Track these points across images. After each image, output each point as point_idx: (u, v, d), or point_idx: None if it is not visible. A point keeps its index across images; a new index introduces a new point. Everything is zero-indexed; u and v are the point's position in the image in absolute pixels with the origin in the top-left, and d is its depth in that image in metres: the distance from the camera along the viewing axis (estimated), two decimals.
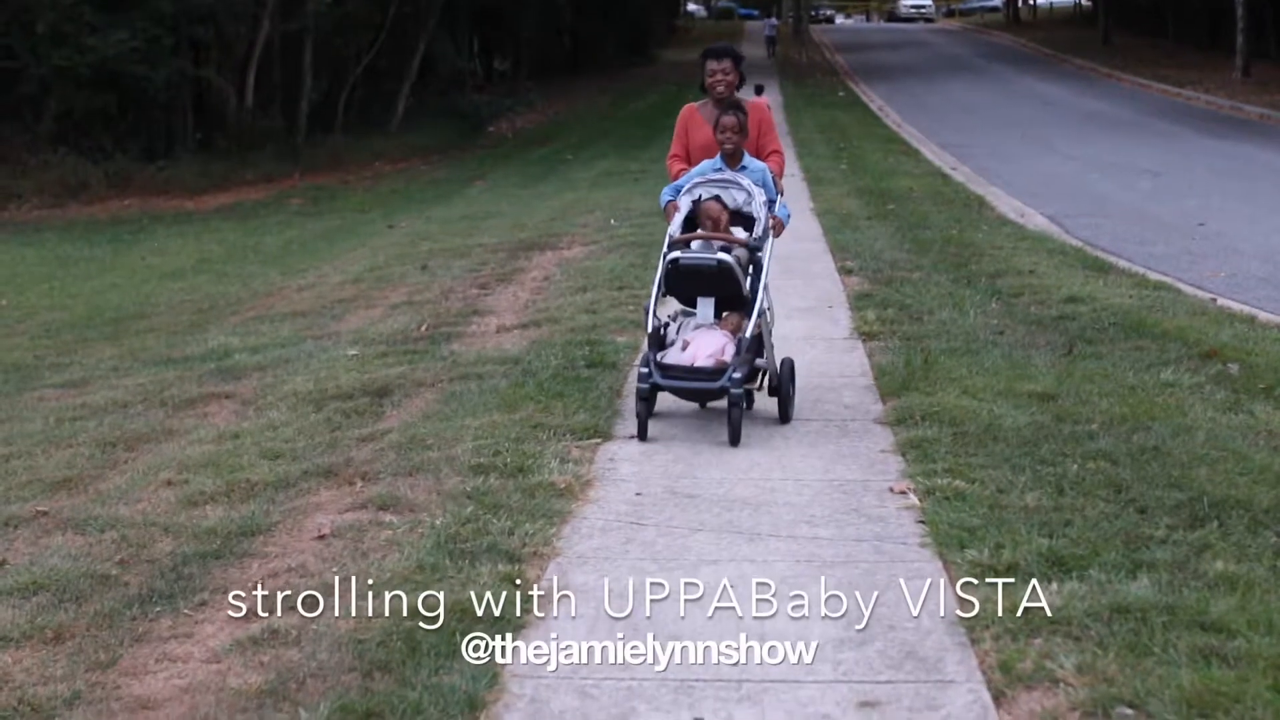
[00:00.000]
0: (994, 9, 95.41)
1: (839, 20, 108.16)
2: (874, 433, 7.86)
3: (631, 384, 8.40)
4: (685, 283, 7.97)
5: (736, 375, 7.59)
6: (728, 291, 7.90)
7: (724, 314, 7.98)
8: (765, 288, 7.98)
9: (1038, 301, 11.40)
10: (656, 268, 8.14)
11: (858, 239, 15.20)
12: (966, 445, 7.32)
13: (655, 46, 67.46)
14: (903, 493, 6.72)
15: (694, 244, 7.97)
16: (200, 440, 8.28)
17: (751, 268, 7.98)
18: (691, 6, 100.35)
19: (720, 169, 8.28)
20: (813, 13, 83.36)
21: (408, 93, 44.29)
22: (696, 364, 7.71)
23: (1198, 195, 20.05)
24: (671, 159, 8.95)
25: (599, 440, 7.69)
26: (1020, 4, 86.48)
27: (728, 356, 7.70)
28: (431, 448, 7.56)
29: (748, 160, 8.35)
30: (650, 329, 7.92)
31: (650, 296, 8.07)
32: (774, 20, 72.05)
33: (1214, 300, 11.71)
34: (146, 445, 8.37)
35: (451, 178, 32.60)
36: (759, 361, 7.92)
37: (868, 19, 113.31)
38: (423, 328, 11.36)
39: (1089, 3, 76.59)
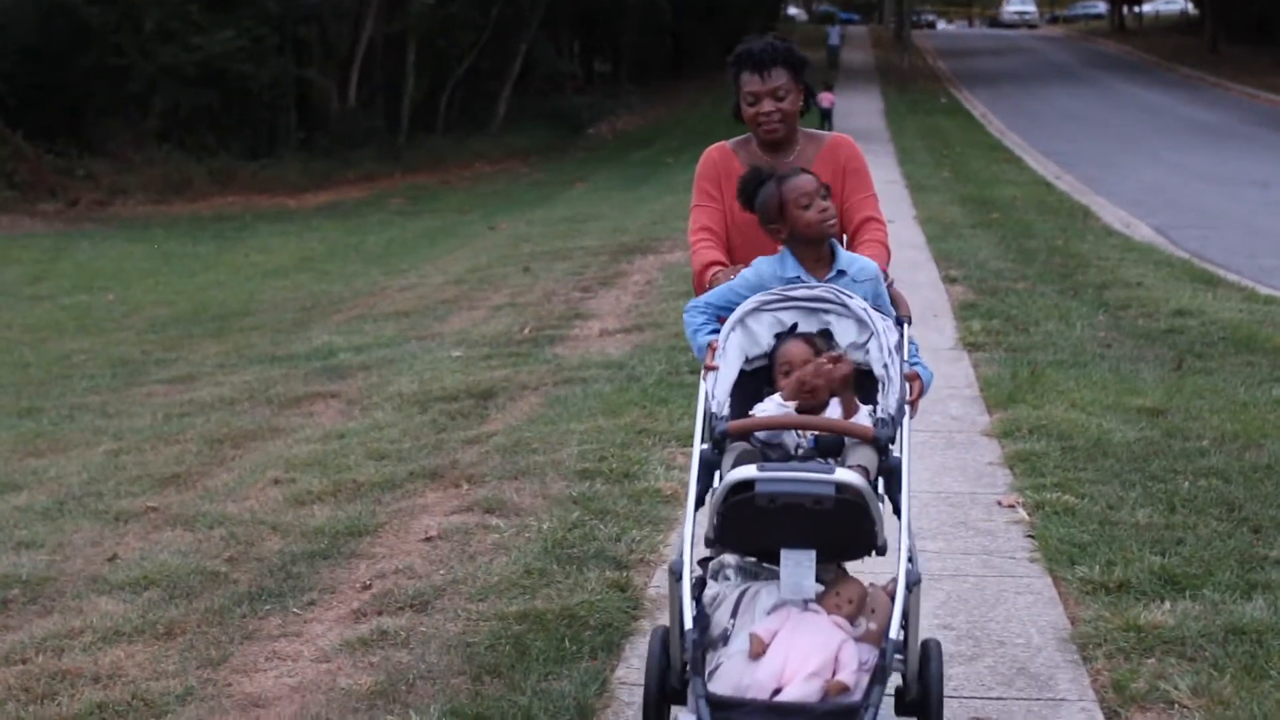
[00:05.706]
0: (1098, 16, 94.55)
1: (940, 26, 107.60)
2: (981, 445, 7.78)
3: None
4: (765, 526, 3.86)
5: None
6: (845, 538, 3.93)
7: (829, 576, 4.03)
8: (908, 523, 4.02)
9: (1145, 314, 11.26)
10: (686, 482, 4.32)
11: (961, 248, 15.09)
12: (1075, 459, 7.24)
13: None
14: (1011, 506, 6.65)
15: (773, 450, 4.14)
16: (306, 439, 8.35)
17: (882, 481, 4.03)
18: (792, 10, 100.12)
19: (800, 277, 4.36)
20: (914, 18, 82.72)
21: (509, 94, 44.55)
22: (789, 695, 3.73)
23: None
24: (697, 242, 4.94)
25: None
26: (1125, 11, 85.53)
27: (848, 673, 3.79)
28: (537, 451, 7.59)
29: (842, 255, 4.45)
30: (686, 623, 3.84)
31: (682, 555, 3.91)
32: (839, 29, 70.84)
33: None
34: (253, 443, 8.45)
35: (551, 179, 32.74)
36: (896, 658, 3.81)
37: (970, 24, 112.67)
38: (526, 330, 11.39)
39: (1196, 11, 75.64)
